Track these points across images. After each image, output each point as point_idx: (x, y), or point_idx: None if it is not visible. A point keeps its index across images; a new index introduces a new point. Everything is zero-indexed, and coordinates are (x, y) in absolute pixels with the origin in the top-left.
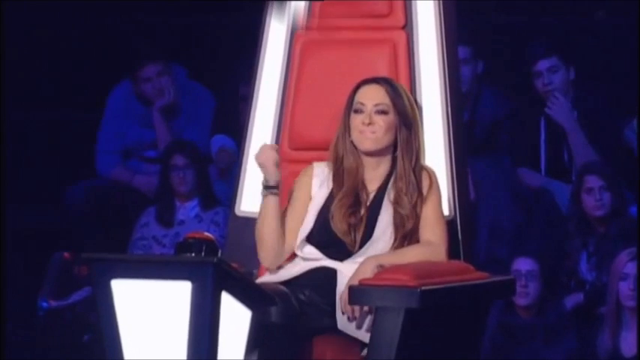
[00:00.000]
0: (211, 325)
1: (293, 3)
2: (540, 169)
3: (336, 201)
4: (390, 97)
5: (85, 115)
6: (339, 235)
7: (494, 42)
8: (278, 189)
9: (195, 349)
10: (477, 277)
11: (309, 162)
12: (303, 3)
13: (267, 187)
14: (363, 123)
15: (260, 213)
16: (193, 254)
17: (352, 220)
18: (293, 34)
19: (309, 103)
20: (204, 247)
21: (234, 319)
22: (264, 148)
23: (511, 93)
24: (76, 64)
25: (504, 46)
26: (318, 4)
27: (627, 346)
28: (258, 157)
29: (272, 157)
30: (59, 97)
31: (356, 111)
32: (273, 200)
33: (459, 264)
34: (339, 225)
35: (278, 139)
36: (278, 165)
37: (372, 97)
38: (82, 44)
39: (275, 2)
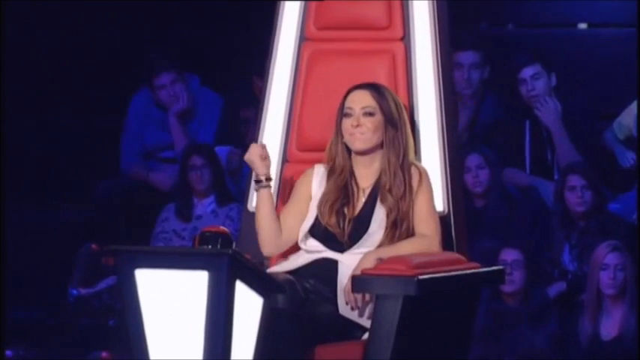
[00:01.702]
0: (226, 312)
1: None
2: (525, 167)
3: (322, 197)
4: (375, 99)
5: (83, 117)
6: (330, 228)
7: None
8: (269, 182)
9: (211, 333)
10: (469, 267)
11: (315, 162)
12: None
13: (257, 182)
14: (352, 125)
15: (256, 206)
16: (210, 246)
17: (340, 214)
18: (301, 45)
19: (315, 108)
20: (219, 240)
21: (248, 306)
22: (251, 146)
23: (502, 98)
24: (77, 68)
25: (495, 55)
26: (324, 16)
27: (606, 330)
28: (245, 156)
29: (257, 152)
30: (59, 100)
31: (346, 115)
32: (265, 193)
33: (452, 255)
34: (326, 219)
35: (286, 140)
36: (266, 159)
37: (359, 101)
38: (82, 45)
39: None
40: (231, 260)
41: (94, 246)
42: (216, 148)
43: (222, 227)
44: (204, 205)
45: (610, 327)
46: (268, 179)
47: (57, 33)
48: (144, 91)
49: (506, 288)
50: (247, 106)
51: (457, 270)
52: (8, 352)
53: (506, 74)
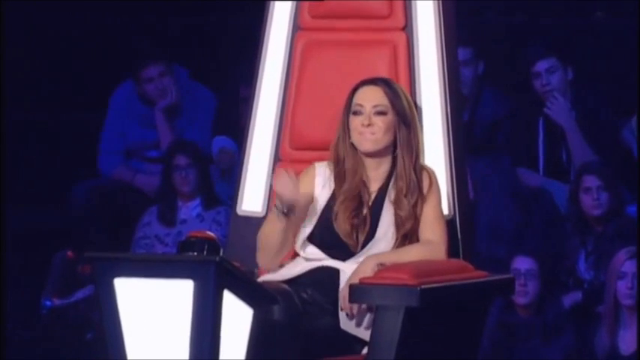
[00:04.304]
0: (213, 324)
1: None
2: (539, 169)
3: (338, 202)
4: (388, 97)
5: (85, 115)
6: (342, 236)
7: (494, 42)
8: (292, 213)
9: (197, 347)
10: (476, 275)
11: (309, 162)
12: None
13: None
14: (362, 124)
15: (268, 221)
16: (195, 253)
17: (355, 221)
18: (294, 34)
19: (309, 103)
20: (206, 246)
21: (236, 318)
22: (282, 175)
23: (510, 93)
24: (77, 64)
25: (504, 47)
26: (318, 4)
27: (625, 344)
28: (276, 186)
29: (289, 186)
30: (59, 97)
31: (355, 113)
32: (283, 219)
33: (458, 263)
34: (342, 226)
35: (279, 138)
36: (295, 190)
37: (371, 98)
38: (83, 44)
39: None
40: (218, 268)
41: (69, 253)
42: (214, 140)
43: (208, 232)
44: (190, 209)
45: (629, 340)
46: (291, 211)
47: (34, 22)
48: (127, 84)
49: (520, 299)
50: (248, 84)
51: (463, 279)
52: None
53: (515, 67)
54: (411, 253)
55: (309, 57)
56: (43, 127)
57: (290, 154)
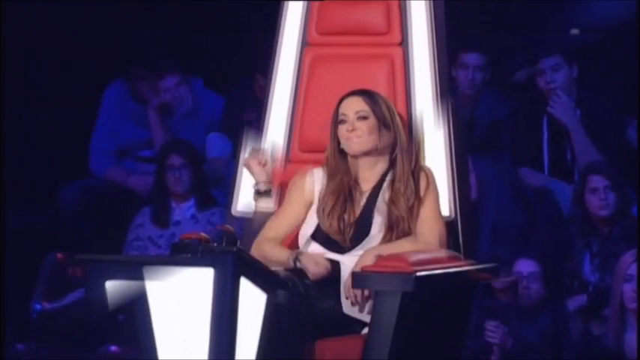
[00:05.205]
0: (231, 308)
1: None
2: (543, 168)
3: (319, 204)
4: (367, 104)
5: (83, 115)
6: (331, 233)
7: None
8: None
9: (217, 329)
10: (464, 264)
11: (317, 162)
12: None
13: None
14: (348, 130)
15: (273, 250)
16: (189, 255)
17: (340, 219)
18: (303, 49)
19: (317, 110)
20: (224, 238)
21: (251, 302)
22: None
23: (514, 91)
24: (75, 63)
25: (507, 44)
26: (325, 22)
27: (631, 347)
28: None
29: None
30: (58, 96)
31: (340, 122)
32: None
33: (449, 253)
34: (326, 224)
35: (290, 142)
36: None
37: (352, 106)
38: (83, 44)
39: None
40: (236, 257)
41: (59, 255)
42: (209, 136)
43: (202, 234)
44: (183, 210)
45: (635, 344)
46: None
47: (34, 22)
48: (119, 82)
49: (524, 302)
50: (250, 108)
51: (454, 267)
52: None
53: (518, 65)
54: (407, 245)
55: (316, 69)
56: (44, 126)
57: (299, 156)
